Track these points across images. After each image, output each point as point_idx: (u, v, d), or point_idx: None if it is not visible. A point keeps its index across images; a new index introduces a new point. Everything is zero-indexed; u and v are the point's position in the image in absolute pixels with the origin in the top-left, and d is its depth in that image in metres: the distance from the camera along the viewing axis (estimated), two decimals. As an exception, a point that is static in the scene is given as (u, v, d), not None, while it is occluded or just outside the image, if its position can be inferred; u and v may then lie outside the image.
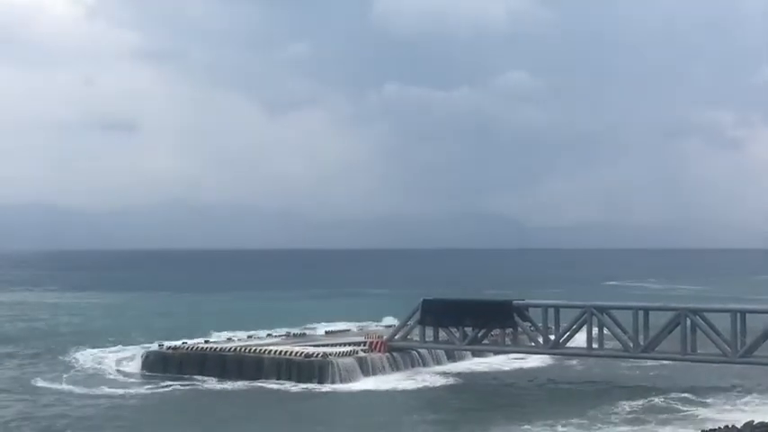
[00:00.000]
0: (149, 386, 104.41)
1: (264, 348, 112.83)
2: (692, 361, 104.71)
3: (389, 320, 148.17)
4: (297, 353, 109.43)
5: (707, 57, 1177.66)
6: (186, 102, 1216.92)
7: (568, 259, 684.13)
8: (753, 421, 71.45)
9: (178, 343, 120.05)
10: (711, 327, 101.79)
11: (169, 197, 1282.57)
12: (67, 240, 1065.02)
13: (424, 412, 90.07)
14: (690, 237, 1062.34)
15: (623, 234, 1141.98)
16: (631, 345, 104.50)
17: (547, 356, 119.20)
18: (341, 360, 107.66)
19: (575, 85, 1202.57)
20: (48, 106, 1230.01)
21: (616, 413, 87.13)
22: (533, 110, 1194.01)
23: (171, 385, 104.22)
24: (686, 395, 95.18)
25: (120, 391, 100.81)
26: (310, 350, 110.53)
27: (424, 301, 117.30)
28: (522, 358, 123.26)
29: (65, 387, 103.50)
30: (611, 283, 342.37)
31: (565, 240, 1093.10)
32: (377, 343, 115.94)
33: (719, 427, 70.79)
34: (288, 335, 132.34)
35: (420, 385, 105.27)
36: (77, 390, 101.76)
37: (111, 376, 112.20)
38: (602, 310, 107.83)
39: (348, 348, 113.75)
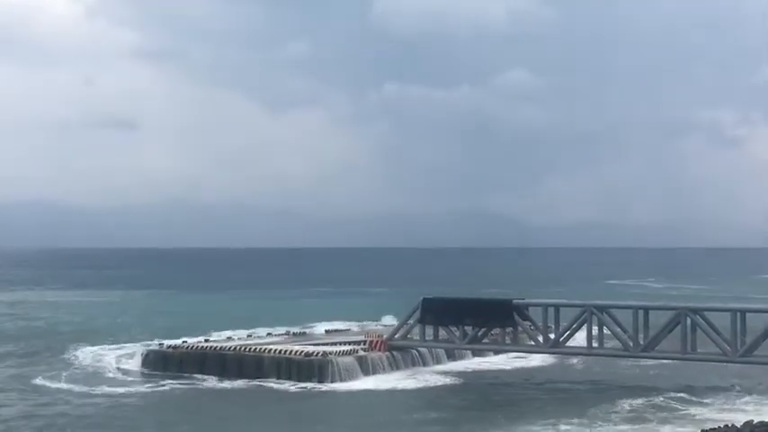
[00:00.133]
0: (149, 385, 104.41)
1: (264, 347, 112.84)
2: (692, 360, 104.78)
3: (389, 319, 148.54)
4: (297, 352, 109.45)
5: (707, 57, 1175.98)
6: (186, 101, 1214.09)
7: (568, 258, 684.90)
8: (752, 421, 71.45)
9: (178, 342, 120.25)
10: (711, 326, 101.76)
11: (169, 196, 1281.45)
12: (68, 239, 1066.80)
13: (424, 411, 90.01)
14: (690, 236, 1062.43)
15: (623, 233, 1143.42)
16: (631, 344, 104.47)
17: (547, 356, 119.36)
18: (341, 359, 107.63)
19: (575, 85, 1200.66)
20: (48, 106, 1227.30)
21: (616, 412, 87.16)
22: (534, 109, 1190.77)
23: (171, 384, 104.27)
24: (686, 394, 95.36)
25: (120, 390, 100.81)
26: (310, 349, 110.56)
27: (424, 299, 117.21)
28: (522, 357, 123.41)
29: (65, 385, 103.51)
30: (611, 282, 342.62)
31: (565, 240, 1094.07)
32: (377, 342, 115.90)
33: (719, 427, 70.74)
34: (288, 334, 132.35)
35: (420, 384, 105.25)
36: (77, 388, 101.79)
37: (111, 375, 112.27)
38: (602, 309, 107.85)
39: (348, 347, 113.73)
